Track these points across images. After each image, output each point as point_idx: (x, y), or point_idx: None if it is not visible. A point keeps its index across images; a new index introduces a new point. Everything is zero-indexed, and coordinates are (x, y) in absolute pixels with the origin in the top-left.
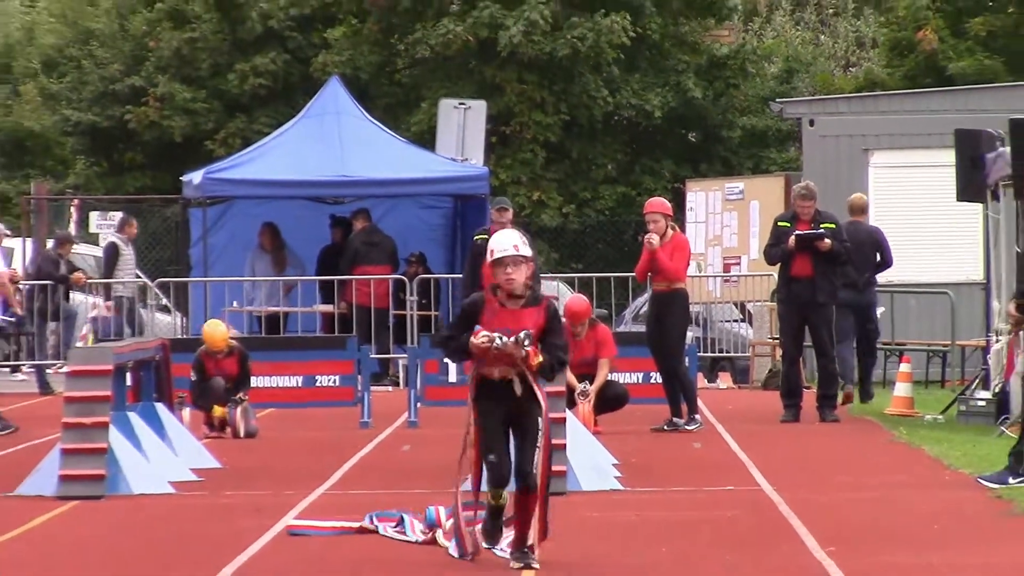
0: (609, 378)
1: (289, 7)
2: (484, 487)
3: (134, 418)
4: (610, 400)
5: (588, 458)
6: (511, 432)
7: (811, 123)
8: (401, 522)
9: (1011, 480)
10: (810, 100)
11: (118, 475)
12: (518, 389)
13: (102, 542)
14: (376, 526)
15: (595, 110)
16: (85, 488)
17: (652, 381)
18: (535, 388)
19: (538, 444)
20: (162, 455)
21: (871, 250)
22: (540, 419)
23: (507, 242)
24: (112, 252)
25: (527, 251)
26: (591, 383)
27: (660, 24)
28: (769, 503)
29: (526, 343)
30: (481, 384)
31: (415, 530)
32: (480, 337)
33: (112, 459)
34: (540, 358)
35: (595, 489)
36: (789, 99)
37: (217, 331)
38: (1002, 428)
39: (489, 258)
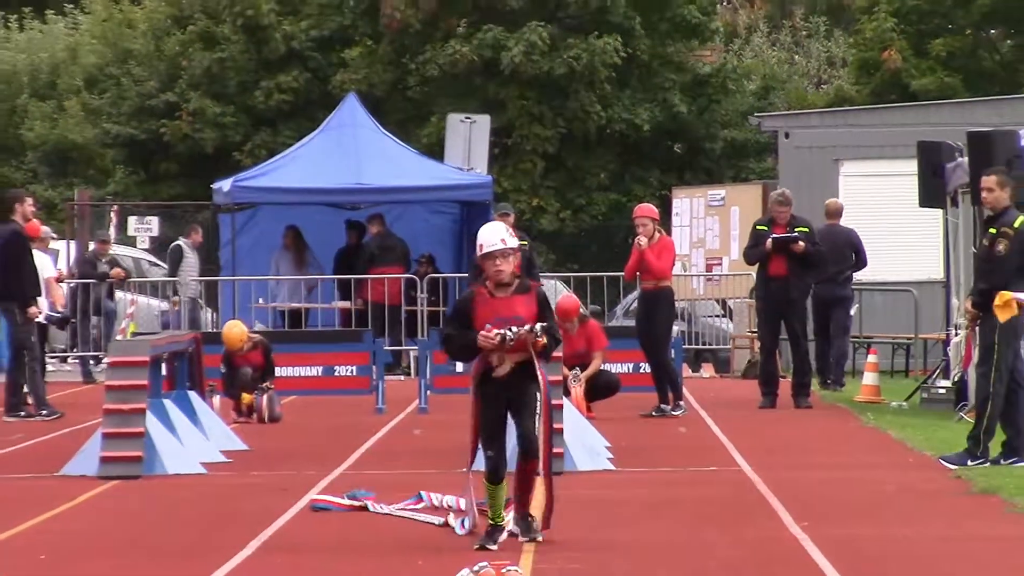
0: (602, 368)
1: (310, 29)
2: (476, 466)
3: (169, 405)
4: (603, 388)
5: (582, 441)
6: (510, 415)
7: (786, 136)
8: (420, 499)
9: (969, 462)
10: (785, 115)
11: (154, 457)
12: (505, 369)
13: (139, 518)
14: (386, 511)
15: (589, 124)
16: (124, 469)
17: (641, 371)
18: (537, 370)
19: (538, 412)
20: (194, 438)
21: (847, 250)
22: (538, 394)
23: (494, 236)
24: (177, 255)
25: (514, 242)
26: (582, 372)
27: (648, 45)
28: (748, 482)
29: (539, 333)
30: (484, 377)
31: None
32: (493, 334)
33: (149, 442)
34: (544, 340)
35: (589, 469)
36: (766, 114)
37: (233, 332)
38: (961, 414)
39: (479, 252)
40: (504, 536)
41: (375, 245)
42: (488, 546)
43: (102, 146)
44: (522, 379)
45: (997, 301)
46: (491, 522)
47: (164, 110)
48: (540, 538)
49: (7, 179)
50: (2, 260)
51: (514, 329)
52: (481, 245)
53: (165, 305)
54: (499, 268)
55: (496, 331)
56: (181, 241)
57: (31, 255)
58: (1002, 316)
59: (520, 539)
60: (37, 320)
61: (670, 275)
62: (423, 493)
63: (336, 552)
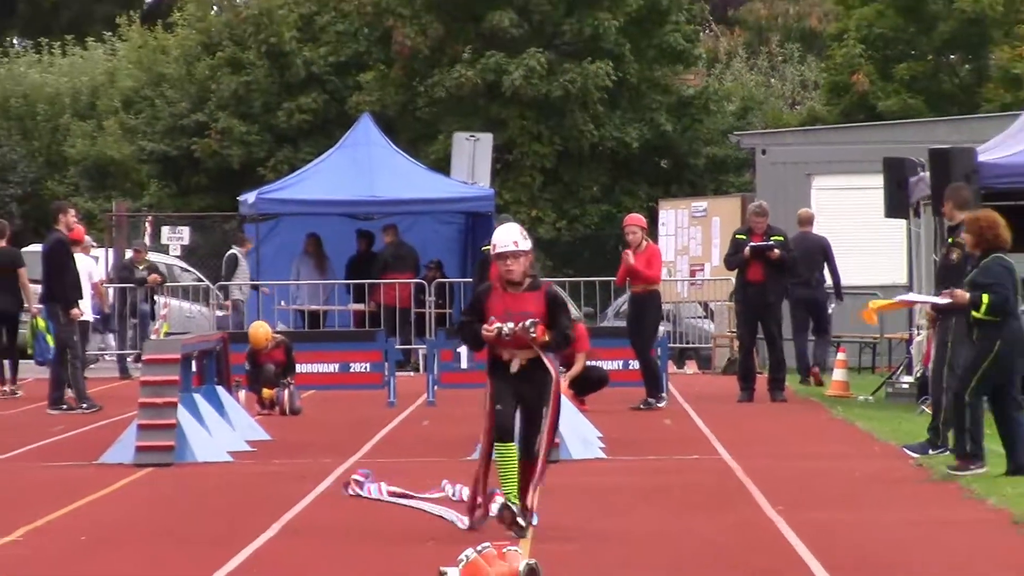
0: (592, 364)
1: (328, 55)
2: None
3: (198, 398)
4: (594, 382)
5: (576, 431)
6: (520, 412)
7: (763, 152)
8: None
9: (930, 451)
10: (762, 133)
11: (185, 446)
12: (515, 367)
13: (171, 502)
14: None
15: (583, 141)
16: (157, 457)
17: (630, 368)
18: (546, 363)
19: (542, 429)
20: (222, 429)
21: (819, 256)
22: (546, 408)
23: (507, 238)
24: (232, 262)
25: (525, 245)
26: (567, 371)
27: (637, 69)
28: (728, 469)
29: (531, 328)
30: (494, 364)
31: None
32: (492, 328)
33: (180, 433)
34: (547, 337)
35: (582, 458)
36: (745, 132)
37: (259, 332)
38: (922, 407)
39: (492, 252)
40: (522, 522)
41: (389, 253)
42: (520, 522)
43: (138, 162)
44: (534, 384)
45: (869, 306)
46: (505, 500)
47: (194, 129)
48: (535, 522)
49: (51, 192)
50: (47, 265)
51: (510, 325)
52: (494, 245)
53: (196, 307)
54: (509, 268)
55: (496, 325)
56: (235, 250)
57: (73, 261)
58: (868, 320)
59: (505, 527)
60: (80, 319)
61: (659, 280)
62: (446, 483)
63: (352, 534)
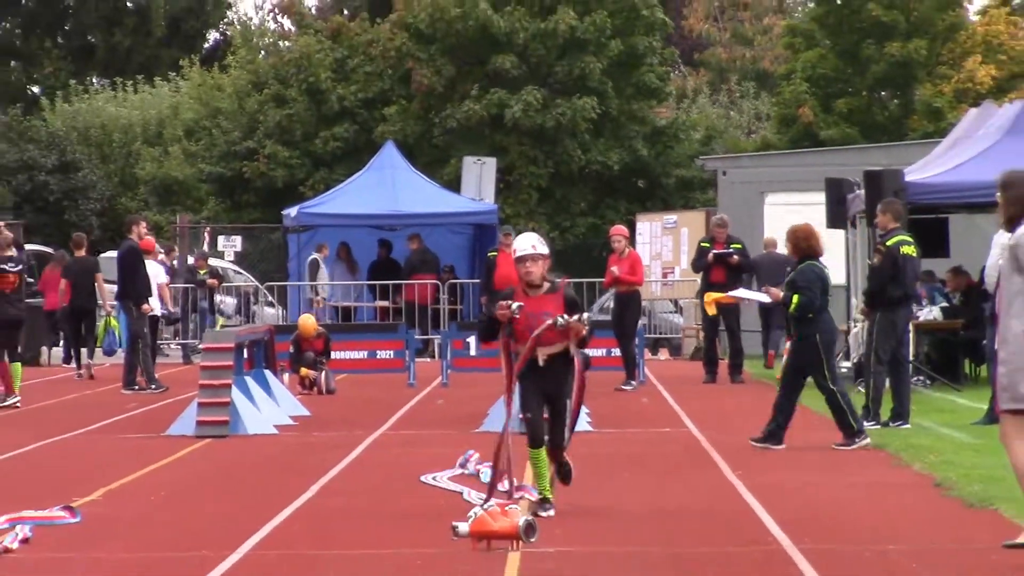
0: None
1: (358, 92)
2: (513, 427)
3: (249, 380)
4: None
5: None
6: (546, 406)
7: (724, 173)
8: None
9: (865, 424)
10: (723, 157)
11: (238, 421)
12: (541, 359)
13: (226, 467)
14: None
15: (572, 165)
16: (214, 430)
17: (612, 355)
18: (574, 357)
19: (567, 421)
20: (268, 407)
21: (782, 268)
22: (569, 401)
23: (526, 243)
24: (315, 267)
25: (543, 249)
26: None
27: (618, 104)
28: (695, 440)
29: (577, 321)
30: (524, 365)
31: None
32: (504, 305)
33: (234, 409)
34: (584, 331)
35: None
36: (708, 157)
37: (308, 323)
38: (858, 387)
39: (513, 256)
40: (551, 511)
41: (416, 258)
42: (540, 513)
43: (198, 181)
44: (558, 379)
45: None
46: (540, 495)
47: (245, 154)
48: (551, 513)
49: (125, 207)
50: (120, 268)
51: (519, 304)
52: (515, 250)
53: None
54: (528, 270)
55: (509, 303)
56: (316, 255)
57: (144, 264)
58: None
59: (538, 512)
60: (150, 314)
61: (642, 281)
62: (470, 457)
63: (378, 492)
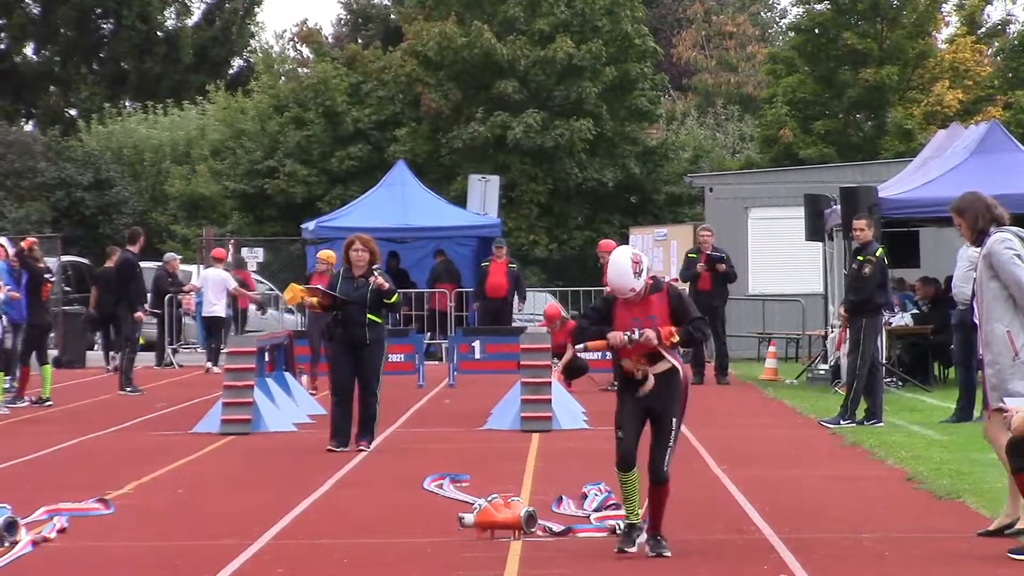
0: (577, 355)
1: (371, 115)
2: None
3: (270, 382)
4: (576, 370)
5: (566, 407)
6: (649, 425)
7: (710, 190)
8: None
9: (842, 422)
10: (710, 175)
11: (259, 419)
12: (648, 386)
13: (249, 462)
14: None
15: (570, 182)
16: (238, 427)
17: (605, 357)
18: (672, 361)
19: (670, 444)
20: (288, 406)
21: None
22: (675, 419)
23: (624, 286)
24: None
25: (639, 284)
26: (559, 359)
27: (612, 125)
28: (683, 436)
29: (644, 336)
30: (625, 381)
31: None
32: (622, 336)
33: (255, 409)
34: (676, 337)
35: (571, 428)
36: (696, 174)
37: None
38: (835, 388)
39: (607, 293)
40: (641, 536)
41: (441, 269)
42: (626, 548)
43: (223, 197)
44: (662, 398)
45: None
46: (627, 521)
47: (267, 172)
48: (668, 554)
49: (156, 221)
50: (118, 277)
51: (639, 333)
52: (612, 289)
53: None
54: (628, 299)
55: (625, 333)
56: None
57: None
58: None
59: (649, 554)
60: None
61: None
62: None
63: (390, 485)
